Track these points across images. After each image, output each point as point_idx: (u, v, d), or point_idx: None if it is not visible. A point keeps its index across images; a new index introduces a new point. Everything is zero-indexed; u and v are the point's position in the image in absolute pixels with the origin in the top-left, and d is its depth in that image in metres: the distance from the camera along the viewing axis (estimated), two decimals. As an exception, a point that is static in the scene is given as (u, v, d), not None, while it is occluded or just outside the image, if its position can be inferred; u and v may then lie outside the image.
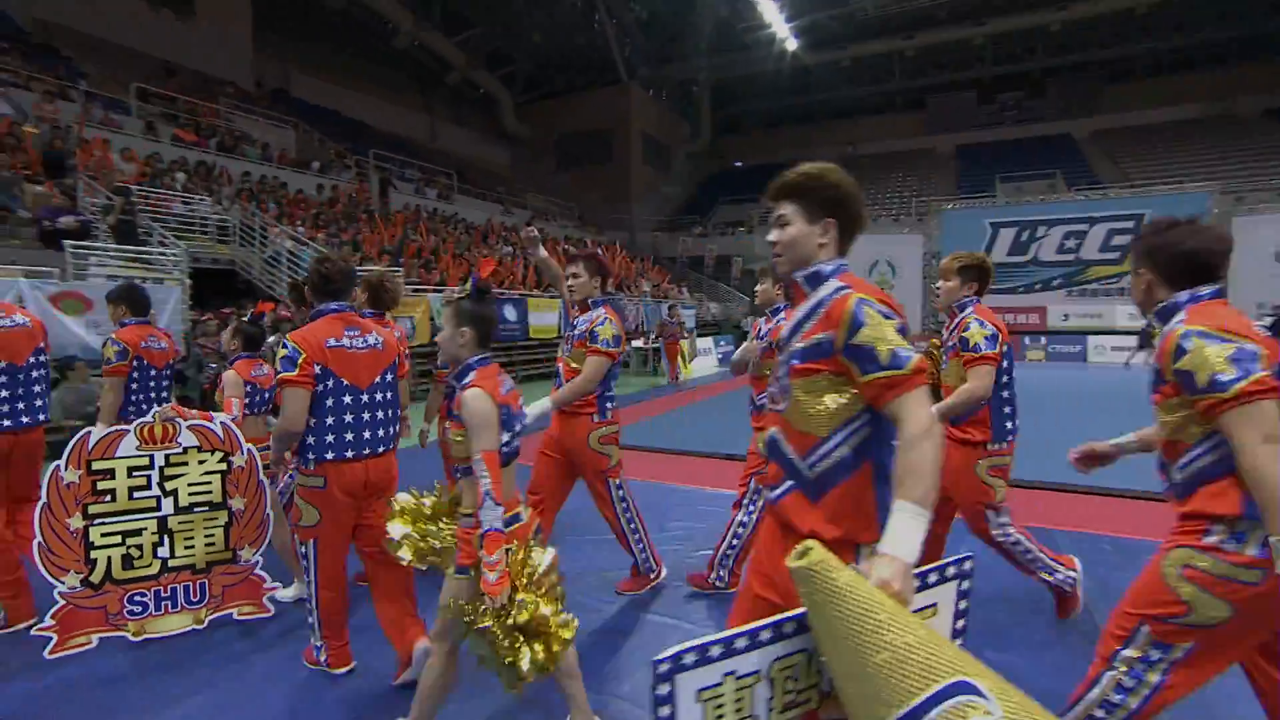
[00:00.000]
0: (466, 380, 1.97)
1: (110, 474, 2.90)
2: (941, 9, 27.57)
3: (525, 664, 1.80)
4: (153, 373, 3.67)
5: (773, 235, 1.50)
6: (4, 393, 3.15)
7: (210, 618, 3.06)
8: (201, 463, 3.05)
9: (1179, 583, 1.53)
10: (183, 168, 13.87)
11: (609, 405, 3.18)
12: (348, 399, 2.49)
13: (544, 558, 1.97)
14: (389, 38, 26.47)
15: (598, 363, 3.03)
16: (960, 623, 1.40)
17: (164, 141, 14.98)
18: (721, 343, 18.36)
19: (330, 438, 2.45)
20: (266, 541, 3.17)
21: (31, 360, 3.26)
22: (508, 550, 1.88)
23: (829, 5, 27.07)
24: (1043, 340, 18.62)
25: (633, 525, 3.32)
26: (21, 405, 3.21)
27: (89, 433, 2.89)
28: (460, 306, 2.05)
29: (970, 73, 31.58)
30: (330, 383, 2.46)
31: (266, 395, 3.54)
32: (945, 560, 1.36)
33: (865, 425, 1.37)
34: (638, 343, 16.01)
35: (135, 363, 3.55)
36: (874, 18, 27.90)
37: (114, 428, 2.96)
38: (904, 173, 31.15)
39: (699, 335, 19.35)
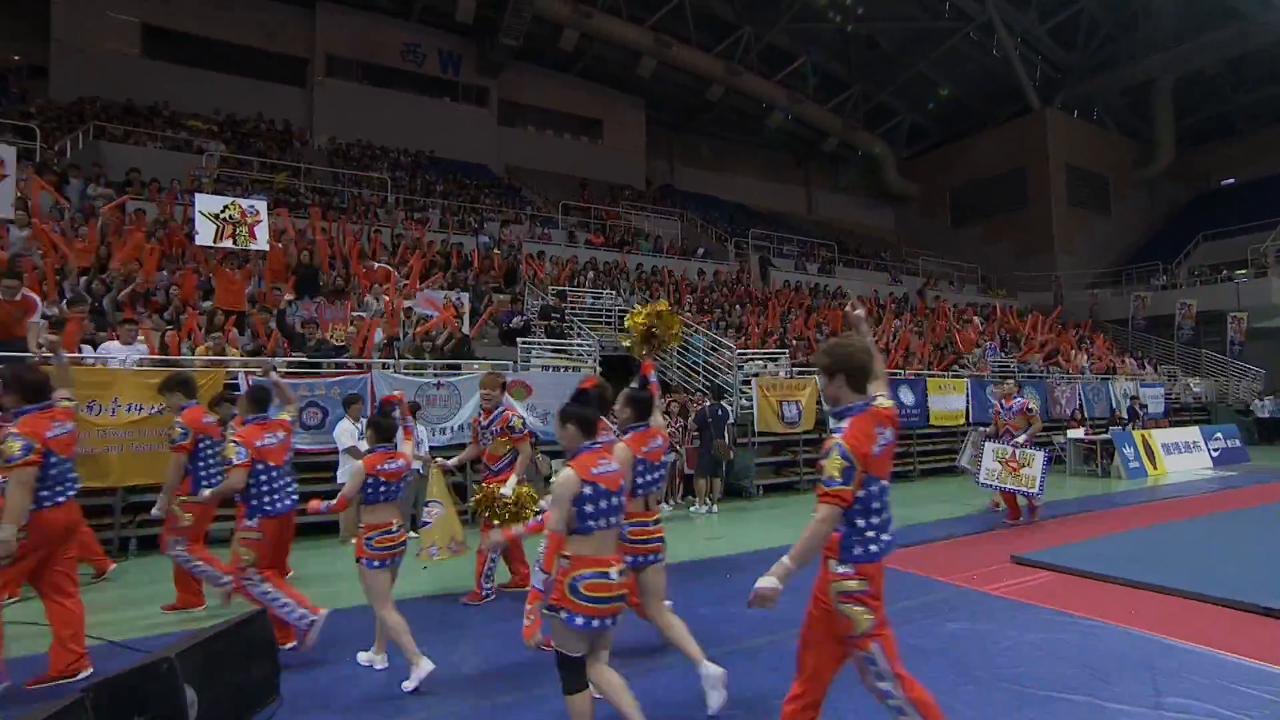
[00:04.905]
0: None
1: None
2: None
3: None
4: None
5: None
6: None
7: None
8: None
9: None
10: (593, 267, 17.39)
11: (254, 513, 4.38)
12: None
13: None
14: (762, 118, 29.46)
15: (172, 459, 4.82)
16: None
17: (579, 246, 19.13)
18: (1216, 435, 14.54)
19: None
20: None
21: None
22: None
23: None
24: None
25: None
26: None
27: None
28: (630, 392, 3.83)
29: None
30: None
31: (396, 487, 4.12)
32: None
33: None
34: (1075, 433, 13.76)
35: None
36: None
37: None
38: None
39: (1175, 423, 15.80)
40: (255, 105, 22.17)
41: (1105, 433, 13.67)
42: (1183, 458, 13.66)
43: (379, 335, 9.78)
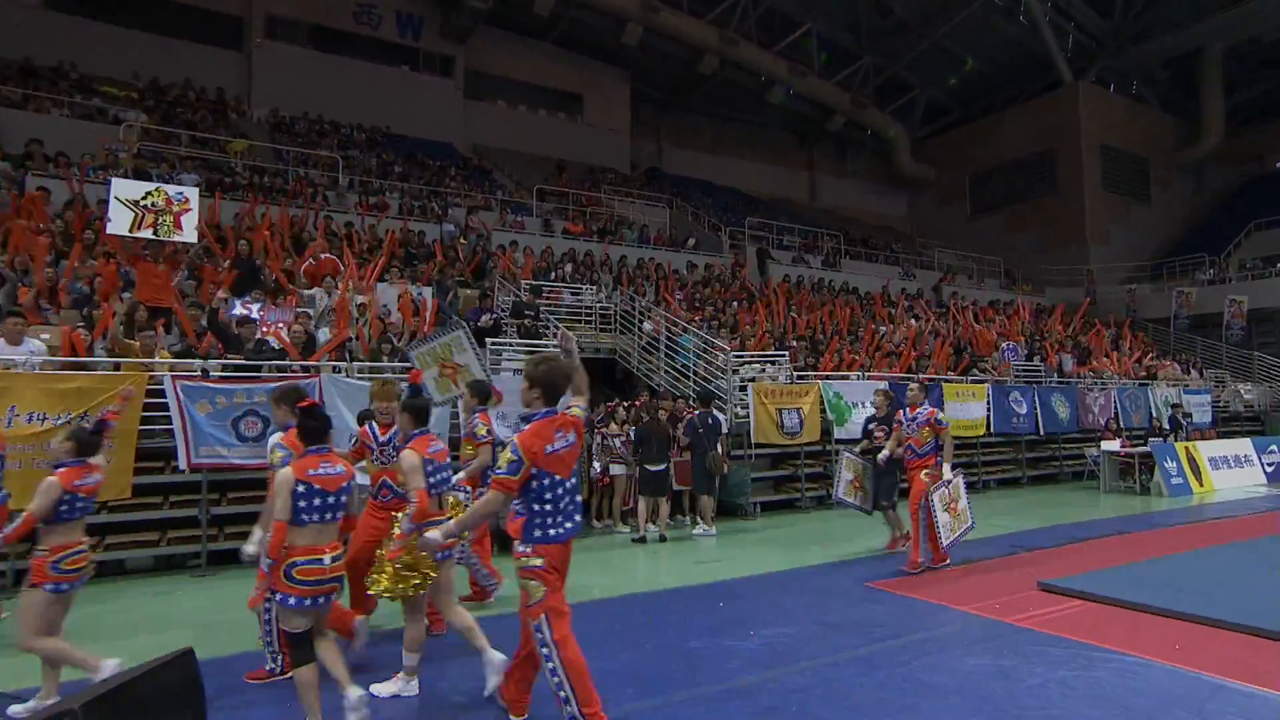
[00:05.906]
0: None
1: None
2: None
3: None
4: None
5: None
6: None
7: None
8: None
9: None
10: (571, 259, 17.33)
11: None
12: None
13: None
14: (761, 94, 29.56)
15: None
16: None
17: (556, 235, 19.08)
18: (1271, 447, 14.67)
19: None
20: None
21: None
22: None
23: None
24: None
25: None
26: None
27: None
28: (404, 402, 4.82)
29: None
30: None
31: (90, 503, 4.21)
32: None
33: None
34: (1110, 445, 13.84)
35: None
36: None
37: None
38: None
39: (1223, 434, 15.96)
40: (182, 70, 21.83)
41: (1144, 445, 13.76)
42: (1232, 473, 13.78)
43: (324, 335, 9.67)
